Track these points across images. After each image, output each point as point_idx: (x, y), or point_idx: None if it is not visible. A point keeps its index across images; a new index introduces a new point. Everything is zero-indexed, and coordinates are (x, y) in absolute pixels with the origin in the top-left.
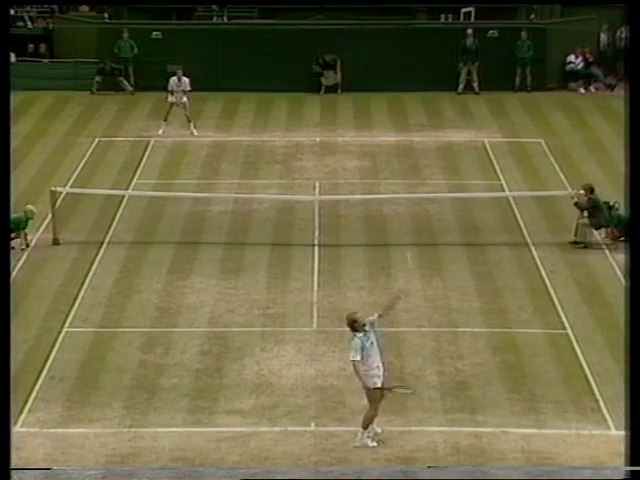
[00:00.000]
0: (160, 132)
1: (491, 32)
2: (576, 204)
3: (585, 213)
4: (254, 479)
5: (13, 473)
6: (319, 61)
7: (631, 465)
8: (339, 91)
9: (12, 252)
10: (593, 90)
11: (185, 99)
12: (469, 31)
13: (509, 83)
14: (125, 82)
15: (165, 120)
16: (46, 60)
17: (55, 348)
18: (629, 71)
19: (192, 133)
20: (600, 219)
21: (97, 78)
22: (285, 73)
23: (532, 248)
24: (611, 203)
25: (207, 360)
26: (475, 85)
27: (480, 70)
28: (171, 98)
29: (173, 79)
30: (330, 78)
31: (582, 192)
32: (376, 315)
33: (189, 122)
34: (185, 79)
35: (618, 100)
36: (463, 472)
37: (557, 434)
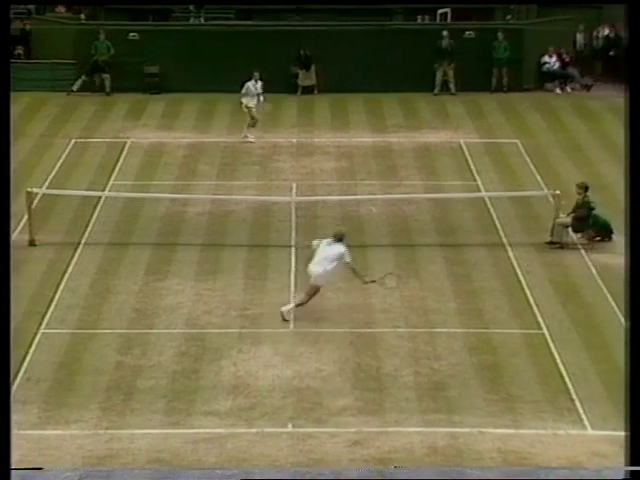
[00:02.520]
0: (252, 139)
1: (468, 33)
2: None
3: (574, 213)
4: None
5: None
6: (300, 54)
7: (631, 465)
8: (315, 92)
9: None
10: (569, 90)
11: (255, 103)
12: (445, 32)
13: (486, 84)
14: (108, 82)
15: (253, 126)
16: (23, 61)
17: (32, 349)
18: (629, 71)
19: (246, 137)
20: (586, 220)
21: (84, 77)
22: (263, 74)
23: (508, 248)
24: (591, 204)
25: (184, 361)
26: (452, 86)
27: (457, 71)
28: (250, 102)
29: (251, 83)
30: (306, 79)
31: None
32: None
33: (250, 127)
34: (260, 83)
35: (594, 100)
36: (440, 472)
37: (534, 434)
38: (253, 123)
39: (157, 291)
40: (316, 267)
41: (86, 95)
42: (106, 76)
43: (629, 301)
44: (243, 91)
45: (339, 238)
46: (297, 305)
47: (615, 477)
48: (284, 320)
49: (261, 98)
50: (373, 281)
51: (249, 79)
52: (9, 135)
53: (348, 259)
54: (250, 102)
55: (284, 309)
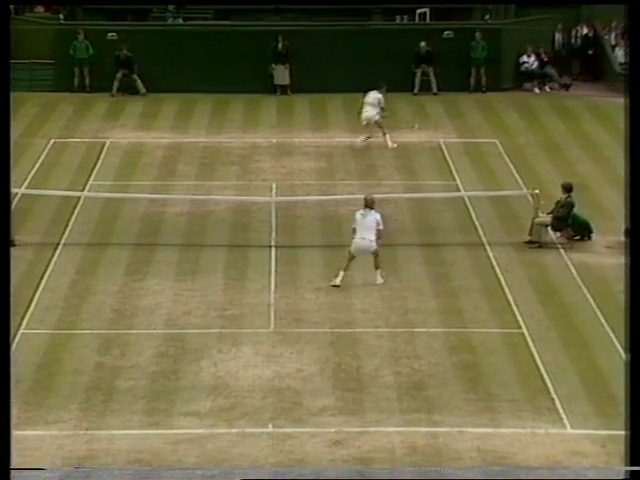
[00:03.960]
0: (391, 144)
1: (446, 33)
2: (557, 202)
3: (556, 212)
4: None
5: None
6: (277, 46)
7: (631, 465)
8: (289, 92)
9: None
10: (548, 90)
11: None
12: (422, 43)
13: (464, 84)
14: (139, 81)
15: (384, 134)
16: None
17: (11, 350)
18: (629, 71)
19: (390, 145)
20: (566, 219)
21: (118, 75)
22: (241, 74)
23: (487, 248)
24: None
25: (164, 362)
26: (433, 86)
27: (436, 71)
28: (381, 113)
29: (381, 96)
30: (281, 76)
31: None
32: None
33: (385, 135)
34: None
35: (573, 100)
36: (420, 472)
37: (513, 433)
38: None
39: (136, 291)
40: (361, 240)
41: (65, 95)
42: (135, 76)
43: (629, 301)
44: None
45: (371, 206)
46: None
47: (615, 477)
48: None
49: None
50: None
51: (373, 88)
52: (9, 135)
53: (381, 226)
54: (381, 113)
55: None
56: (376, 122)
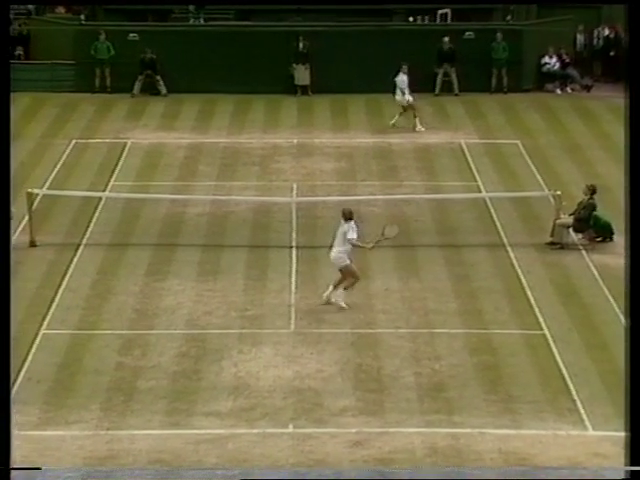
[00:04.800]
0: (419, 128)
1: (467, 34)
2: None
3: (577, 213)
4: None
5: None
6: (298, 41)
7: (631, 465)
8: (309, 93)
9: None
10: (569, 91)
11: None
12: (446, 38)
13: (485, 84)
14: (161, 82)
15: (415, 117)
16: (22, 62)
17: (32, 350)
18: (629, 71)
19: (417, 128)
20: (587, 221)
21: (141, 76)
22: (262, 75)
23: (509, 249)
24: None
25: (185, 362)
26: (455, 86)
27: (457, 72)
28: (405, 97)
29: (403, 78)
30: (302, 76)
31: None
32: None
33: (415, 117)
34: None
35: (594, 101)
36: (440, 473)
37: (534, 435)
38: (414, 113)
39: (157, 292)
40: (331, 251)
41: (107, 96)
42: (158, 77)
43: (629, 301)
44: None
45: (347, 217)
46: (337, 287)
47: (615, 477)
48: (342, 307)
49: (406, 92)
50: (377, 242)
51: (398, 71)
52: (9, 135)
53: (349, 235)
54: (405, 97)
55: (333, 299)
56: (410, 104)
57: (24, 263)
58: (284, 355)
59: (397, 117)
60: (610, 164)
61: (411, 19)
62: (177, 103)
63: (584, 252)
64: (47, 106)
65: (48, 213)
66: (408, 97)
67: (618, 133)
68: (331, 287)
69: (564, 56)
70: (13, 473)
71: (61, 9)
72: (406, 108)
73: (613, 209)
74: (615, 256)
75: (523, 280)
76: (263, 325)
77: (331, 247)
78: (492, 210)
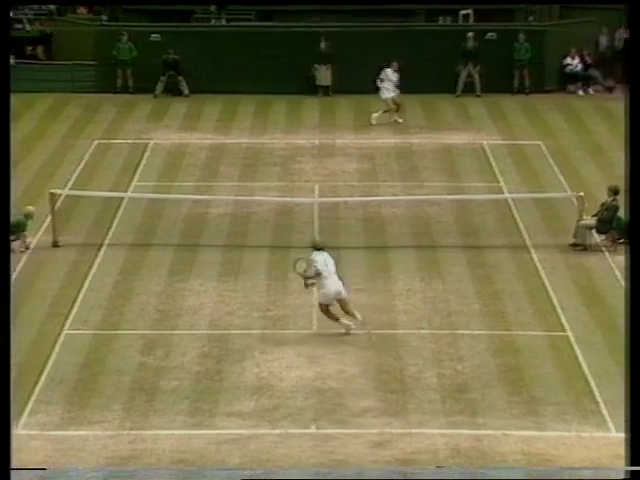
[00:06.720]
0: (399, 120)
1: (489, 34)
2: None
3: (600, 215)
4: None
5: (14, 473)
6: (320, 41)
7: (631, 465)
8: (331, 93)
9: (12, 254)
10: (592, 92)
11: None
12: (470, 34)
13: (507, 85)
14: (184, 83)
15: (396, 111)
16: (44, 62)
17: (55, 350)
18: (629, 72)
19: (396, 121)
20: (610, 222)
21: (164, 77)
22: (283, 75)
23: (531, 250)
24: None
25: (207, 362)
26: (477, 87)
27: (480, 72)
28: (388, 94)
29: (389, 70)
30: (323, 77)
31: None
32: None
33: (392, 112)
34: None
35: (616, 102)
36: (462, 473)
37: (557, 436)
38: (396, 108)
39: (180, 292)
40: (337, 282)
41: (108, 97)
42: (180, 78)
43: (629, 301)
44: (382, 76)
45: (316, 247)
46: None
47: (615, 477)
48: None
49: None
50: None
51: (386, 66)
52: (9, 135)
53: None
54: (387, 94)
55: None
56: (395, 102)
57: (47, 263)
58: (306, 355)
59: (380, 113)
60: None
61: (440, 20)
62: (199, 104)
63: (607, 253)
64: (70, 106)
65: (71, 213)
66: (392, 94)
67: None
68: (343, 320)
69: (586, 57)
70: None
71: (83, 10)
72: (396, 105)
73: None
74: None
75: (546, 281)
76: (285, 326)
77: (335, 276)
78: (514, 211)
